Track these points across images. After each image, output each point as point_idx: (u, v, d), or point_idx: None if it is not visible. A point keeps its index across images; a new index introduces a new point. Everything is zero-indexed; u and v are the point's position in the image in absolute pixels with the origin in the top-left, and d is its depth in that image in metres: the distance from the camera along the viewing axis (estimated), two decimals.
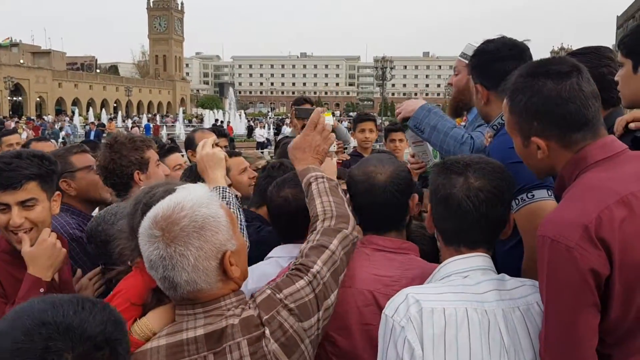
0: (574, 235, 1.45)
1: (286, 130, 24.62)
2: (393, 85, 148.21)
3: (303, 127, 5.45)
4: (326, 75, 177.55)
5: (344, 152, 5.17)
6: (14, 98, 74.33)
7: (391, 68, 50.01)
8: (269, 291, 1.63)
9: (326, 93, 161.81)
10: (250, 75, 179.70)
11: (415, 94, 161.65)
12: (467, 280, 1.66)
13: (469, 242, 1.71)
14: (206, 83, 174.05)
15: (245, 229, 2.25)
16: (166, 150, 3.85)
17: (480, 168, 1.70)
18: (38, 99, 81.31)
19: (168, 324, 1.60)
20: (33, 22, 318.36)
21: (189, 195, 1.54)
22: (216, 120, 39.45)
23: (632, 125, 2.23)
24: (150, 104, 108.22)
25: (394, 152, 4.78)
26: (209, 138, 2.54)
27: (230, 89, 70.48)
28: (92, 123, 33.23)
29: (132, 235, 1.76)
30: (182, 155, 4.12)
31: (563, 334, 1.49)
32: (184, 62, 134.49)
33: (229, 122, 40.76)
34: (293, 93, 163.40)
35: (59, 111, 76.46)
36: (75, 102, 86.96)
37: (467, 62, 2.94)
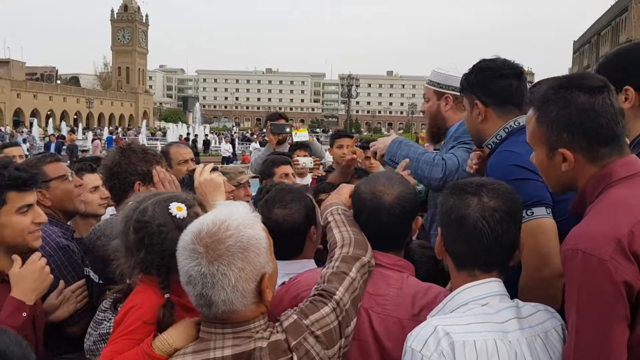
0: (607, 249, 1.44)
1: (254, 145, 24.51)
2: (357, 102, 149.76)
3: (278, 142, 5.43)
4: (291, 92, 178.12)
5: (319, 168, 5.15)
6: None
7: (357, 86, 50.47)
8: (295, 316, 1.62)
9: (291, 109, 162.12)
10: (215, 89, 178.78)
11: (379, 112, 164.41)
12: (487, 309, 1.62)
13: (482, 265, 1.68)
14: (170, 96, 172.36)
15: None
16: (81, 167, 3.71)
17: (494, 188, 1.69)
18: None
19: (190, 340, 1.58)
20: None
21: (234, 214, 1.54)
22: (180, 136, 39.04)
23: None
24: (111, 116, 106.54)
25: (341, 159, 4.72)
26: (208, 165, 2.52)
27: (197, 104, 70.05)
28: (53, 135, 32.33)
29: (129, 253, 1.74)
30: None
31: (595, 348, 1.46)
32: (148, 75, 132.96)
33: (195, 135, 40.40)
34: (258, 108, 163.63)
35: (17, 122, 74.40)
36: (34, 113, 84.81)
37: (435, 88, 3.13)
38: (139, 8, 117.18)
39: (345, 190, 2.21)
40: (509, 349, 1.56)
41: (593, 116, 1.59)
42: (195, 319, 1.63)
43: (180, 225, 1.67)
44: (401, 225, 1.98)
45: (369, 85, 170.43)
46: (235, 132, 61.02)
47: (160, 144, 36.56)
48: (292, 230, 2.19)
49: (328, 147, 5.65)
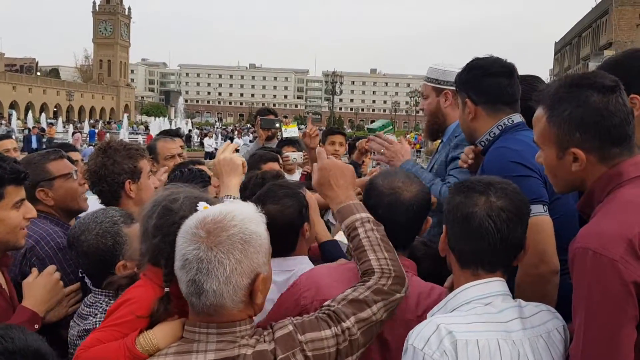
0: (617, 249, 1.43)
1: (237, 141, 24.33)
2: (341, 100, 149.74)
3: (267, 138, 5.36)
4: (275, 88, 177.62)
5: (309, 164, 5.07)
6: None
7: (340, 83, 50.57)
8: (290, 327, 1.56)
9: (274, 105, 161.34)
10: (198, 84, 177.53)
11: (362, 109, 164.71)
12: (489, 308, 1.61)
13: (486, 265, 1.67)
14: (152, 90, 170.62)
15: None
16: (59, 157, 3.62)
17: (502, 188, 1.67)
18: None
19: (175, 341, 1.53)
20: None
21: (240, 208, 1.55)
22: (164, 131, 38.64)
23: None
24: (92, 109, 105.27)
25: (333, 156, 4.71)
26: (231, 145, 2.46)
27: (180, 97, 69.49)
28: (35, 127, 31.62)
29: (145, 237, 1.72)
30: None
31: (603, 348, 1.45)
32: (129, 68, 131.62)
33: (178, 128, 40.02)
34: (241, 104, 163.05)
35: None
36: (13, 105, 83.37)
37: (433, 85, 3.10)
38: (121, 1, 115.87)
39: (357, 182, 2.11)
40: (511, 349, 1.55)
41: (606, 116, 1.57)
42: (184, 319, 1.59)
43: None
44: (415, 224, 2.00)
45: (353, 82, 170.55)
46: (217, 128, 60.75)
47: (142, 138, 36.30)
48: (285, 226, 2.17)
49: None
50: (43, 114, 64.17)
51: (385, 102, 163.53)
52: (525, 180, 2.00)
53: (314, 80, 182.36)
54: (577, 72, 2.10)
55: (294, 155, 4.46)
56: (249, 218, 1.52)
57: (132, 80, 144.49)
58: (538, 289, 1.87)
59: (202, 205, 1.68)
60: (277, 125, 4.96)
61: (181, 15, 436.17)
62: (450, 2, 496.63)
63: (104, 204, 2.68)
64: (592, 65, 53.93)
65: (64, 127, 45.51)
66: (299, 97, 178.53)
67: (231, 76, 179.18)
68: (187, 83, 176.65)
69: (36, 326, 2.09)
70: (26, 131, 32.18)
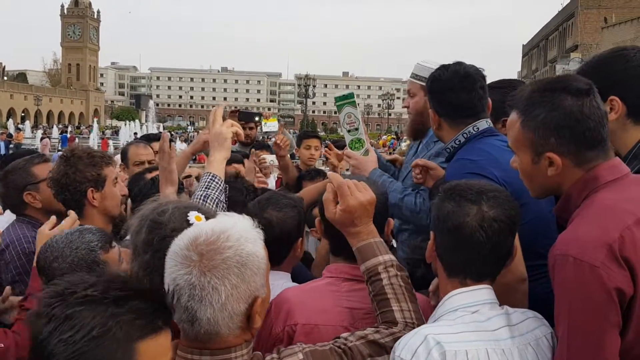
0: (598, 254, 1.42)
1: None
2: (314, 103, 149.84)
3: (245, 144, 5.24)
4: (247, 91, 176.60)
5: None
6: None
7: (313, 86, 50.60)
8: (300, 355, 1.47)
9: (247, 108, 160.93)
10: (169, 87, 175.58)
11: (335, 112, 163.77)
12: (477, 316, 1.58)
13: (475, 275, 1.64)
14: (122, 94, 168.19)
15: None
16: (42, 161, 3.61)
17: (494, 196, 1.63)
18: None
19: None
20: None
21: (235, 225, 1.42)
22: (135, 133, 38.12)
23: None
24: (61, 114, 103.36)
25: (309, 160, 4.72)
26: (218, 108, 2.36)
27: (150, 101, 68.58)
28: (2, 133, 30.93)
29: (135, 253, 1.63)
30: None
31: (588, 356, 1.44)
32: (99, 72, 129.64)
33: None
34: (213, 107, 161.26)
35: None
36: None
37: (422, 83, 2.93)
38: (90, 4, 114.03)
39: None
40: (501, 358, 1.52)
41: (581, 119, 1.56)
42: (176, 341, 1.49)
43: None
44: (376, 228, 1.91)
45: (325, 85, 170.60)
46: (190, 132, 60.19)
47: (113, 143, 35.74)
48: (283, 235, 2.10)
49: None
50: (10, 119, 62.79)
51: (358, 104, 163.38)
52: None
53: (287, 84, 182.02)
54: (545, 76, 2.15)
55: (270, 158, 4.39)
56: (245, 237, 1.40)
57: (102, 84, 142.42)
58: (507, 298, 1.83)
59: (193, 214, 1.60)
60: (257, 118, 4.80)
61: (151, 18, 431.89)
62: (420, 7, 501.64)
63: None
64: (559, 68, 55.01)
65: (32, 132, 44.58)
66: (271, 101, 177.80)
67: (203, 79, 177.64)
68: (158, 87, 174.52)
69: None
70: None
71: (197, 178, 3.02)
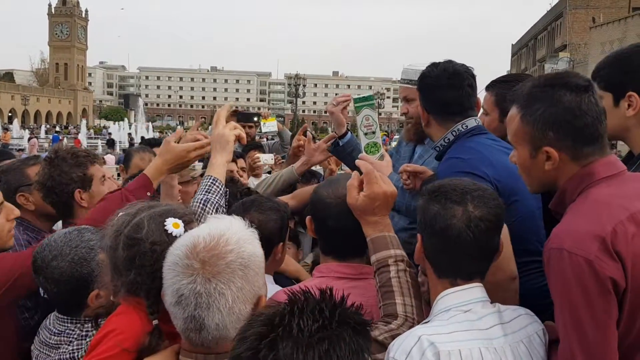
0: (592, 248, 1.44)
1: None
2: (304, 102, 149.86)
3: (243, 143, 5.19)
4: (237, 90, 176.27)
5: (282, 162, 5.00)
6: None
7: (303, 85, 50.59)
8: None
9: (248, 109, 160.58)
10: (158, 87, 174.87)
11: (325, 112, 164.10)
12: (469, 315, 1.59)
13: (465, 274, 1.65)
14: (110, 94, 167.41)
15: None
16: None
17: (479, 196, 1.64)
18: None
19: None
20: None
21: (230, 227, 1.42)
22: (129, 134, 37.77)
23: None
24: (49, 114, 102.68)
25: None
26: (222, 110, 2.32)
27: (140, 100, 68.16)
28: None
29: (116, 272, 1.57)
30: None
31: (592, 348, 1.45)
32: (87, 71, 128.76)
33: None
34: (203, 107, 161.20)
35: None
36: None
37: (416, 87, 2.92)
38: (77, 3, 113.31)
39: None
40: (494, 357, 1.53)
41: (579, 115, 1.58)
42: (176, 345, 1.48)
43: None
44: None
45: (315, 85, 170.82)
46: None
47: (101, 143, 35.47)
48: (263, 237, 2.04)
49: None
50: None
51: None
52: None
53: (277, 83, 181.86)
54: (534, 75, 2.13)
55: (265, 157, 4.35)
56: (243, 238, 1.40)
57: (90, 83, 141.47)
58: (498, 295, 1.84)
59: (170, 222, 1.57)
60: (255, 119, 4.74)
61: (140, 16, 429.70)
62: (410, 7, 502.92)
63: (59, 215, 2.63)
64: (548, 67, 55.36)
65: (21, 130, 44.16)
66: (261, 100, 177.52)
67: (192, 79, 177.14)
68: (147, 86, 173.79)
69: (148, 193, 2.17)
70: None
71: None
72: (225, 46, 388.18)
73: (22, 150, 26.29)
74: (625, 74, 2.03)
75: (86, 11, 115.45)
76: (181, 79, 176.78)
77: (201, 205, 2.02)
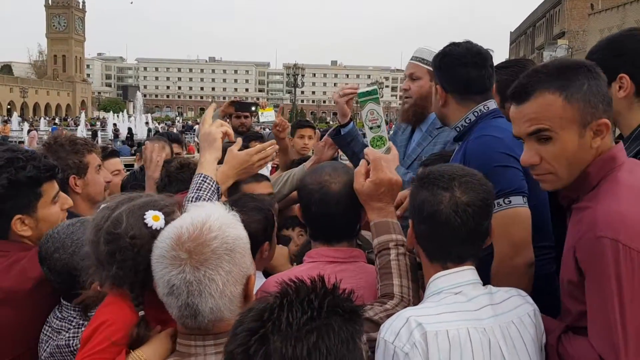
0: None
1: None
2: (302, 92, 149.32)
3: (240, 125, 5.20)
4: (235, 81, 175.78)
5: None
6: None
7: (302, 75, 50.45)
8: None
9: (247, 99, 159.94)
10: (156, 78, 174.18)
11: (324, 102, 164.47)
12: (459, 297, 1.62)
13: (455, 258, 1.67)
14: (109, 85, 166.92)
15: None
16: (107, 153, 3.65)
17: (466, 181, 1.65)
18: None
19: (167, 355, 1.47)
20: None
21: (211, 213, 1.44)
22: (115, 124, 37.68)
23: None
24: (47, 106, 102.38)
25: (302, 149, 4.70)
26: (209, 109, 2.35)
27: (138, 92, 68.00)
28: None
29: (100, 265, 1.59)
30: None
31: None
32: (85, 63, 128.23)
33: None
34: (201, 98, 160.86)
35: None
36: None
37: (428, 67, 2.92)
38: None
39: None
40: (482, 337, 1.55)
41: (607, 91, 1.64)
42: (170, 329, 1.52)
43: (156, 236, 1.50)
44: (351, 213, 1.96)
45: (314, 74, 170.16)
46: (178, 122, 59.90)
47: (101, 134, 35.39)
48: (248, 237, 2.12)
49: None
50: None
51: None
52: (508, 170, 2.01)
53: (275, 73, 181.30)
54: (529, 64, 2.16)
55: None
56: (226, 223, 1.43)
57: (89, 75, 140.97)
58: (513, 281, 1.86)
59: (150, 215, 1.57)
60: (253, 108, 4.66)
61: (137, 7, 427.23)
62: None
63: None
64: (546, 55, 55.16)
65: (19, 125, 44.09)
66: (260, 90, 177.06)
67: (191, 70, 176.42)
68: (145, 77, 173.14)
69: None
70: None
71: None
72: (224, 37, 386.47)
73: (22, 142, 26.28)
74: (617, 57, 2.07)
75: (83, 2, 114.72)
76: (179, 69, 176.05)
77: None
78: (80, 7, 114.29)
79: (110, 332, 1.52)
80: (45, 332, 2.00)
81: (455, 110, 2.32)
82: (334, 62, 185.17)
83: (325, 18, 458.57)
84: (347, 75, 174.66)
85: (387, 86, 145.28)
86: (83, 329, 1.85)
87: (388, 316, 1.65)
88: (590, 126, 1.62)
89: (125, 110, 66.94)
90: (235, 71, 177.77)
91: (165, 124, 50.71)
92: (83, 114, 56.63)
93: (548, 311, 1.76)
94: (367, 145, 2.50)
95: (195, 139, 26.95)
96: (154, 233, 1.52)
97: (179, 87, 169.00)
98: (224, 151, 2.30)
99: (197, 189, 2.08)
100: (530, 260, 1.95)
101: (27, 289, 1.99)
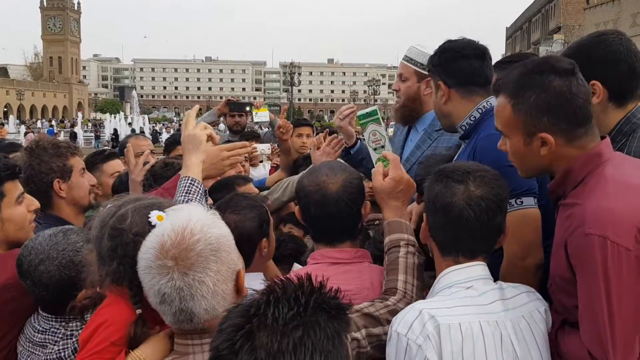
0: (629, 237, 1.49)
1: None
2: (300, 91, 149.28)
3: (234, 131, 5.21)
4: (232, 80, 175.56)
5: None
6: None
7: (299, 74, 50.46)
8: None
9: (243, 98, 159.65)
10: (153, 78, 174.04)
11: (321, 100, 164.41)
12: (470, 292, 1.63)
13: (467, 252, 1.68)
14: (105, 86, 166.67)
15: None
16: (105, 156, 3.60)
17: (481, 176, 1.68)
18: None
19: (165, 354, 1.48)
20: None
21: (190, 216, 1.43)
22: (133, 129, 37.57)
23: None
24: (44, 108, 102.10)
25: (301, 148, 4.68)
26: (192, 111, 2.31)
27: (133, 92, 67.81)
28: None
29: (101, 261, 1.60)
30: None
31: (627, 335, 1.48)
32: (81, 65, 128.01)
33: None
34: (198, 97, 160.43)
35: None
36: None
37: (417, 68, 2.93)
38: None
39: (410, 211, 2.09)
40: (494, 330, 1.57)
41: (570, 98, 1.61)
42: (168, 329, 1.53)
43: None
44: (351, 213, 1.95)
45: (311, 73, 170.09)
46: (175, 122, 59.79)
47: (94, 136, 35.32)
48: (243, 238, 2.02)
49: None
50: None
51: (343, 91, 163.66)
52: None
53: (272, 72, 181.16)
54: (532, 58, 2.14)
55: (261, 147, 4.36)
56: (207, 224, 1.43)
57: (85, 77, 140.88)
58: (522, 282, 1.86)
59: (154, 215, 1.58)
60: (248, 108, 4.79)
61: (133, 8, 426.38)
62: None
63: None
64: (543, 50, 55.22)
65: (16, 127, 44.01)
66: (257, 89, 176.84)
67: (187, 70, 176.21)
68: (141, 78, 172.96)
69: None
70: None
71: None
72: (220, 36, 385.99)
73: (20, 145, 26.17)
74: (587, 66, 2.02)
75: (78, 4, 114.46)
76: (176, 69, 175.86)
77: None
78: (76, 8, 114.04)
79: (109, 333, 1.53)
80: (25, 346, 1.94)
81: (460, 106, 2.28)
82: (330, 60, 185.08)
83: (320, 14, 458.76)
84: (344, 73, 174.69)
85: (383, 83, 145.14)
86: (74, 339, 1.85)
87: (389, 312, 1.67)
88: (536, 136, 1.65)
89: (121, 112, 66.73)
90: (232, 70, 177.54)
91: (163, 124, 50.57)
92: (80, 116, 56.53)
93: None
94: None
95: None
96: None
97: (176, 87, 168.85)
98: None
99: (186, 192, 2.05)
100: (540, 262, 1.95)
101: None
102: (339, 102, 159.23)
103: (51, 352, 1.88)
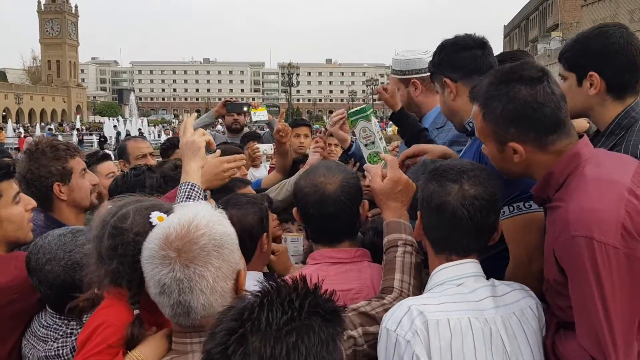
0: (616, 235, 1.48)
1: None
2: (298, 91, 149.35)
3: (234, 131, 5.21)
4: (231, 82, 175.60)
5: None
6: None
7: (297, 74, 50.49)
8: None
9: (242, 99, 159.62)
10: (151, 81, 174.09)
11: (320, 100, 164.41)
12: (461, 289, 1.64)
13: (460, 250, 1.69)
14: (103, 89, 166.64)
15: None
16: (99, 157, 3.63)
17: (475, 175, 1.68)
18: None
19: (163, 354, 1.49)
20: None
21: (199, 212, 1.46)
22: (118, 132, 37.60)
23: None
24: (43, 111, 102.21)
25: (299, 148, 4.68)
26: (189, 118, 2.34)
27: (131, 94, 67.85)
28: None
29: (100, 261, 1.61)
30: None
31: (625, 334, 1.48)
32: (79, 68, 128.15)
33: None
34: (197, 99, 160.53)
35: None
36: None
37: (398, 77, 3.11)
38: None
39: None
40: (483, 326, 1.57)
41: (537, 107, 1.61)
42: (166, 329, 1.54)
43: None
44: (349, 212, 1.96)
45: (309, 73, 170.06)
46: (174, 124, 59.80)
47: (95, 139, 35.34)
48: (244, 232, 2.06)
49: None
50: None
51: (342, 91, 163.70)
52: None
53: (270, 73, 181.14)
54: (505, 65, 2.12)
55: (264, 147, 4.38)
56: (213, 220, 1.46)
57: (83, 80, 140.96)
58: (527, 285, 1.84)
59: (155, 215, 1.60)
60: (245, 108, 4.79)
61: (130, 10, 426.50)
62: None
63: (39, 208, 2.60)
64: (541, 47, 55.25)
65: (15, 131, 44.00)
66: (255, 90, 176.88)
67: (185, 72, 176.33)
68: (140, 80, 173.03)
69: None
70: None
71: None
72: (218, 38, 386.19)
73: (17, 149, 26.19)
74: (585, 56, 2.08)
75: (76, 7, 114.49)
76: (174, 72, 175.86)
77: None
78: (73, 11, 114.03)
79: (107, 335, 1.53)
80: (29, 339, 1.97)
81: (468, 100, 2.19)
82: (328, 60, 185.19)
83: (318, 14, 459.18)
84: (342, 73, 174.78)
85: (382, 83, 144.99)
86: (73, 338, 1.86)
87: (385, 310, 1.67)
88: (507, 145, 1.67)
89: (120, 115, 66.74)
90: (230, 72, 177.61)
91: (163, 126, 50.54)
92: (78, 119, 56.54)
93: None
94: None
95: None
96: None
97: (174, 90, 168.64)
98: None
99: (187, 197, 2.07)
100: (542, 266, 1.91)
101: None
102: (337, 102, 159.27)
103: (50, 349, 1.89)
